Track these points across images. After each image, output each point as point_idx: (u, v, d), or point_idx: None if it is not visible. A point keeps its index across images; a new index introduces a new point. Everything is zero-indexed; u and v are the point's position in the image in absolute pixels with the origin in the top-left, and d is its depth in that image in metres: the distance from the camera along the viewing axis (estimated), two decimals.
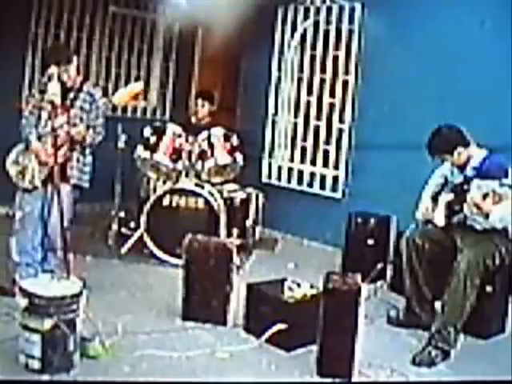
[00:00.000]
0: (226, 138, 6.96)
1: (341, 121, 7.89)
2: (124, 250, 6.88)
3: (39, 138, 5.19)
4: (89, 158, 5.43)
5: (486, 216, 4.85)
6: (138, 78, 8.99)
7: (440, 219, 5.23)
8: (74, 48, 6.28)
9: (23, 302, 4.11)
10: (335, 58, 7.96)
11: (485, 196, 4.68)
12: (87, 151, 5.39)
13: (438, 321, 4.88)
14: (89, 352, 4.35)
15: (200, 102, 7.54)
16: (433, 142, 5.23)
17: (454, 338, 4.84)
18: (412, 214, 5.63)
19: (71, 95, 5.25)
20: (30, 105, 5.30)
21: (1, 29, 7.25)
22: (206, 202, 6.73)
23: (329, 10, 7.96)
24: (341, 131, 7.88)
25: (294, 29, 8.29)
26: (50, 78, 5.04)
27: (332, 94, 8.00)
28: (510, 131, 6.18)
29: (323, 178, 8.05)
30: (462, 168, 5.22)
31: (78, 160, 5.33)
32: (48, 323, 4.05)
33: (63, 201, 4.85)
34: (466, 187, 4.94)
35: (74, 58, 5.28)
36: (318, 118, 8.14)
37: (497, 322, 5.40)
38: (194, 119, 7.56)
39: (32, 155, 5.17)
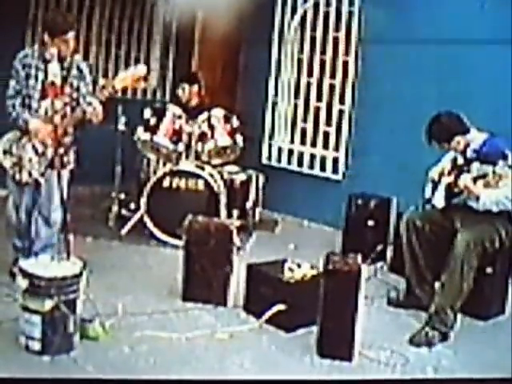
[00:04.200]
0: (226, 120, 6.95)
1: (341, 102, 7.87)
2: (124, 231, 6.88)
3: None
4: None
5: (477, 199, 4.87)
6: (137, 60, 8.97)
7: (439, 201, 5.23)
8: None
9: (23, 282, 4.11)
10: (335, 40, 7.93)
11: (475, 179, 4.69)
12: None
13: (436, 302, 4.88)
14: (89, 333, 4.35)
15: (184, 85, 7.41)
16: (431, 130, 5.18)
17: (452, 319, 4.84)
18: (412, 196, 5.66)
19: (64, 72, 5.05)
20: (12, 82, 5.03)
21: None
22: (207, 183, 6.72)
23: None
24: (341, 112, 7.86)
25: (294, 10, 8.25)
26: (48, 60, 4.97)
27: (332, 75, 7.98)
28: (510, 114, 6.17)
29: (323, 159, 8.04)
30: (463, 150, 5.20)
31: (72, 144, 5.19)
32: (48, 304, 4.05)
33: (62, 187, 4.81)
34: (465, 169, 4.94)
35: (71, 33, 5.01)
36: (319, 99, 8.13)
37: (497, 304, 5.40)
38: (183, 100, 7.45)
39: (28, 144, 4.99)
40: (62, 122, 5.00)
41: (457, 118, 5.16)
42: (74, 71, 5.13)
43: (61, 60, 5.03)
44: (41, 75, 5.03)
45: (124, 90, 8.47)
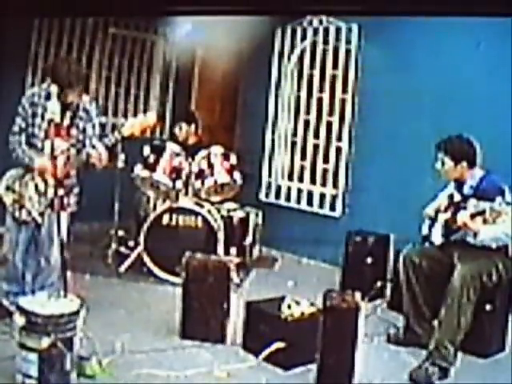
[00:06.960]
0: (225, 157, 6.97)
1: (339, 139, 7.90)
2: (123, 268, 6.87)
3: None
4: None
5: (475, 235, 4.87)
6: (137, 97, 9.02)
7: (437, 237, 5.24)
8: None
9: (20, 320, 4.09)
10: (333, 77, 7.99)
11: (473, 216, 4.70)
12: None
13: (435, 337, 4.86)
14: (86, 371, 4.32)
15: (182, 124, 7.42)
16: (450, 140, 5.20)
17: (452, 354, 4.81)
18: (410, 233, 5.66)
19: (68, 114, 4.98)
20: (18, 119, 4.97)
21: (0, 48, 7.25)
22: (205, 220, 6.72)
23: (326, 30, 8.01)
24: (339, 150, 7.89)
25: (292, 49, 8.32)
26: (49, 96, 4.85)
27: (330, 113, 8.02)
28: (509, 150, 6.19)
29: (322, 196, 8.05)
30: (460, 186, 5.22)
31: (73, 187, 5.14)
32: (45, 342, 4.02)
33: (62, 228, 4.73)
34: (462, 205, 4.95)
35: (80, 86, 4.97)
36: (316, 136, 8.16)
37: (497, 341, 5.37)
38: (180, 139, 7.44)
39: (30, 182, 4.94)
40: (66, 164, 4.95)
41: (474, 150, 5.16)
42: (81, 113, 5.06)
43: (67, 103, 4.95)
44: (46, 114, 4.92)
45: None
